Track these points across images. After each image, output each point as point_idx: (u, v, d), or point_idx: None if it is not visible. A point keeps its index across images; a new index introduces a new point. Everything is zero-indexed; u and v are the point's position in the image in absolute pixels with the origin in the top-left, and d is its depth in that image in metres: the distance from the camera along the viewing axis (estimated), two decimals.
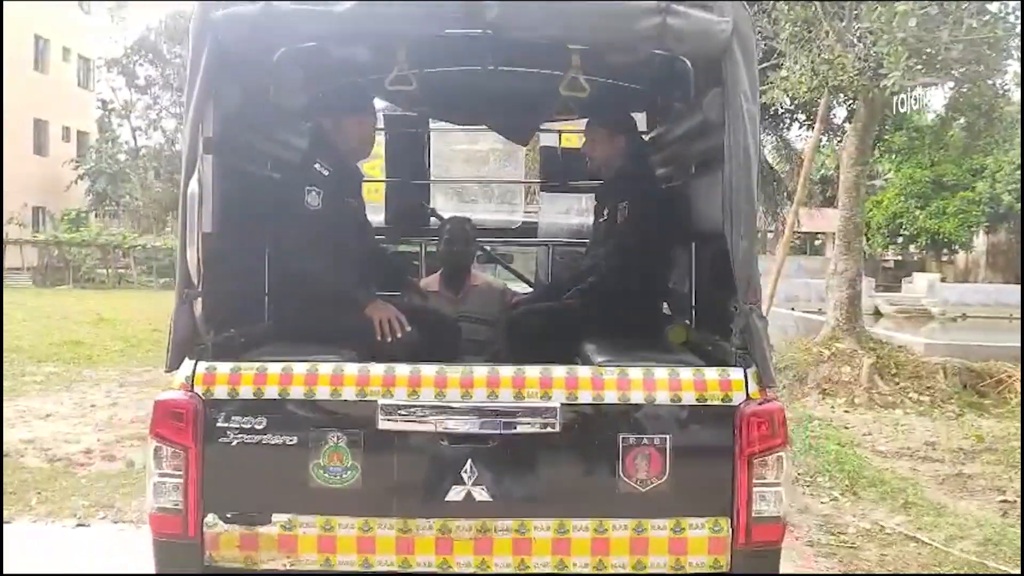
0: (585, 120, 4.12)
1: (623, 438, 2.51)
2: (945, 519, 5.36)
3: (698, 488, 2.57)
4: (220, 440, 2.49)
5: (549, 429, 2.49)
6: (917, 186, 36.42)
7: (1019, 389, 8.92)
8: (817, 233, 42.98)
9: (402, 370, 2.54)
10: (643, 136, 4.16)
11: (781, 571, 2.73)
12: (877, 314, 31.06)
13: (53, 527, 4.86)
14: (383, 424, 2.48)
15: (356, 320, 3.22)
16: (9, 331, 12.02)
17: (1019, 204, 32.90)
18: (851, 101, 11.09)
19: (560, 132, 5.01)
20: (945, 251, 39.41)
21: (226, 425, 2.50)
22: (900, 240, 41.06)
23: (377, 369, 2.54)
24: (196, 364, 2.54)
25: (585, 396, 2.53)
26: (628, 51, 3.11)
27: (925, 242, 38.62)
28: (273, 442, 2.50)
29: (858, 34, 8.44)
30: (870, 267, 36.11)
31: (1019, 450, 6.87)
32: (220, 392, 2.51)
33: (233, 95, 2.98)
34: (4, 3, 25.68)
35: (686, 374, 2.59)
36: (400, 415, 2.48)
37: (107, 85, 49.35)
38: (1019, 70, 8.76)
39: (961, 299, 34.23)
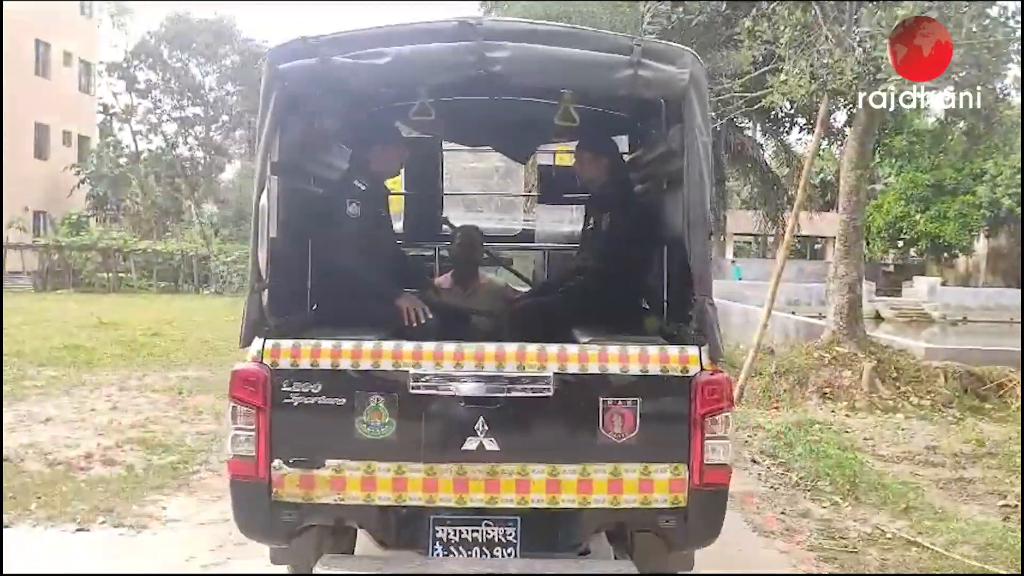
0: (575, 143, 4.71)
1: (603, 401, 3.16)
2: (946, 523, 5.36)
3: (662, 440, 3.21)
4: (284, 401, 3.13)
5: (544, 394, 3.14)
6: (917, 190, 36.46)
7: (1019, 393, 8.91)
8: (817, 237, 42.97)
9: (428, 347, 3.18)
10: (624, 157, 4.80)
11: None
12: (878, 318, 31.11)
13: (52, 532, 4.86)
14: (413, 389, 3.12)
15: (389, 308, 3.96)
16: (9, 335, 12.02)
17: (1019, 208, 32.93)
18: (851, 105, 11.08)
19: (554, 153, 5.88)
20: (945, 255, 39.42)
21: (288, 389, 3.14)
22: (900, 244, 41.11)
23: (408, 346, 3.19)
24: (264, 341, 3.19)
25: (573, 368, 3.17)
26: (608, 94, 3.79)
27: (925, 246, 38.66)
28: (326, 403, 3.15)
29: (858, 38, 8.46)
30: (870, 271, 36.12)
31: (1019, 454, 6.86)
32: (284, 363, 3.15)
33: (294, 128, 3.73)
34: (4, 7, 25.69)
35: (653, 350, 3.23)
36: (426, 382, 3.13)
37: (108, 89, 49.45)
38: (1018, 74, 8.79)
39: (961, 303, 34.28)
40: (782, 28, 8.86)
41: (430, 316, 4.02)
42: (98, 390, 9.11)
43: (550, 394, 3.14)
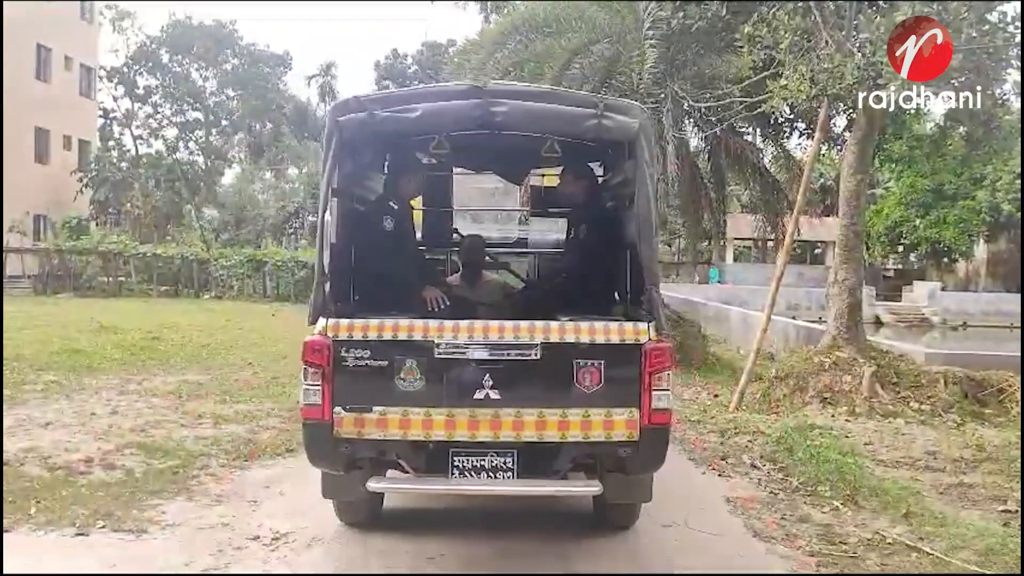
0: (560, 169, 5.91)
1: (576, 362, 4.32)
2: (946, 529, 5.36)
3: (620, 391, 4.34)
4: (342, 363, 4.32)
5: (533, 357, 4.33)
6: (917, 195, 36.46)
7: (1019, 399, 8.90)
8: (817, 242, 42.96)
9: (447, 323, 4.39)
10: (598, 180, 5.97)
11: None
12: (878, 323, 31.09)
13: (52, 536, 4.86)
14: (437, 354, 4.31)
15: (415, 297, 5.17)
16: (9, 339, 12.02)
17: (1019, 213, 32.93)
18: (851, 110, 11.09)
19: (543, 176, 6.98)
20: (945, 260, 39.40)
21: (345, 355, 4.32)
22: (900, 249, 41.10)
23: (433, 323, 4.39)
24: (327, 320, 4.37)
25: (554, 338, 4.34)
26: (579, 136, 4.83)
27: (925, 251, 38.65)
28: (373, 364, 4.33)
29: (857, 44, 8.47)
30: (870, 276, 36.07)
31: (1020, 460, 6.85)
32: (342, 336, 4.33)
33: (347, 163, 4.93)
34: (4, 11, 25.72)
35: (613, 325, 4.43)
36: (447, 349, 4.32)
37: (108, 94, 49.53)
38: (1018, 79, 8.79)
39: (961, 308, 34.25)
40: (782, 33, 8.87)
41: (447, 303, 5.22)
42: (98, 394, 9.11)
43: (537, 357, 4.32)
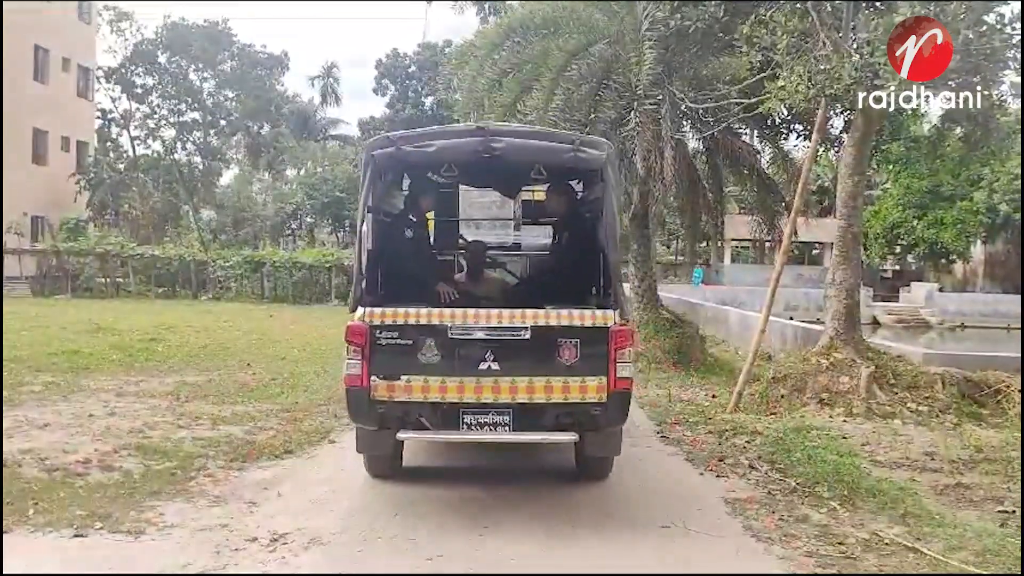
0: (547, 187, 7.48)
1: (558, 340, 5.48)
2: (944, 529, 5.36)
3: (592, 363, 5.49)
4: (376, 343, 5.47)
5: (524, 337, 5.48)
6: (915, 196, 36.48)
7: (1017, 399, 8.91)
8: (815, 243, 42.98)
9: (458, 311, 5.58)
10: (576, 196, 7.24)
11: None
12: (875, 324, 31.10)
13: (50, 537, 4.86)
14: (450, 335, 5.46)
15: (432, 291, 6.34)
16: (7, 341, 12.01)
17: (1016, 214, 32.98)
18: (848, 111, 11.10)
19: (532, 192, 8.39)
20: (943, 261, 39.43)
21: (379, 335, 5.47)
22: (898, 250, 41.11)
23: (447, 311, 5.59)
24: (365, 309, 5.54)
25: (541, 322, 5.50)
26: (560, 165, 6.20)
27: (923, 252, 38.67)
28: (400, 343, 5.47)
29: (855, 44, 8.48)
30: (868, 277, 36.14)
31: (1018, 460, 6.87)
32: (376, 321, 5.49)
33: (379, 186, 6.33)
34: (3, 13, 25.69)
35: (587, 312, 5.61)
36: (458, 330, 5.47)
37: (106, 95, 49.45)
38: (1014, 80, 8.80)
39: (959, 309, 34.27)
40: (780, 34, 8.88)
41: (456, 295, 6.43)
42: (96, 395, 9.11)
43: (528, 337, 5.51)
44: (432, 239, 7.96)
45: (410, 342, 5.45)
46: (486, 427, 5.50)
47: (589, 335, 5.48)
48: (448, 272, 7.68)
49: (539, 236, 8.78)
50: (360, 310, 5.51)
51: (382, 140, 5.92)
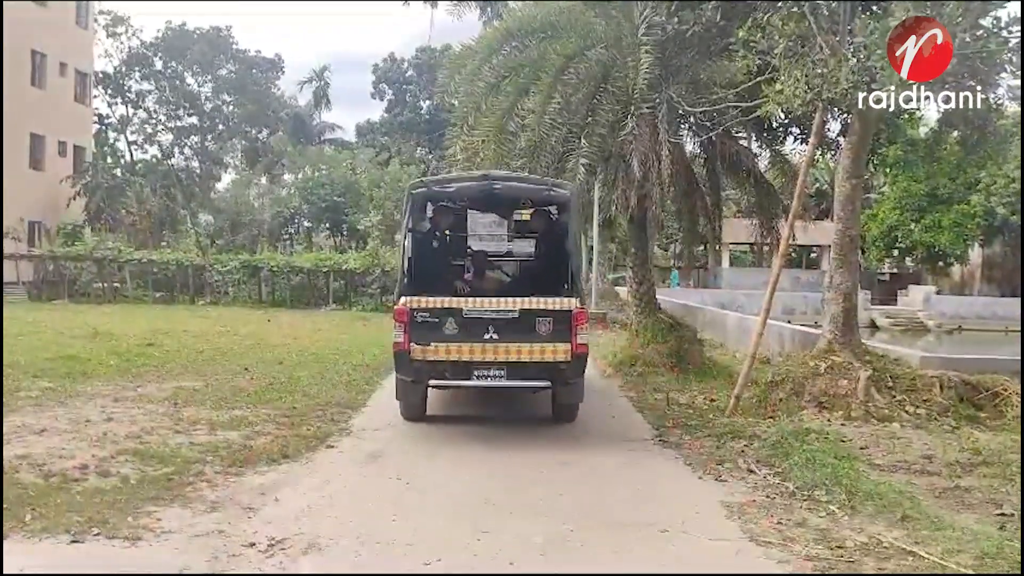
0: (532, 211, 10.58)
1: (537, 318, 8.09)
2: (942, 532, 5.35)
3: (560, 334, 8.06)
4: (414, 320, 8.09)
5: (515, 316, 8.08)
6: (912, 199, 36.55)
7: (1015, 402, 8.90)
8: (813, 246, 43.04)
9: (469, 299, 8.32)
10: (551, 218, 10.35)
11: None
12: (873, 327, 31.17)
13: (47, 543, 4.84)
14: (464, 315, 8.06)
15: (450, 286, 9.50)
16: (4, 346, 11.97)
17: (1013, 216, 33.02)
18: (846, 115, 11.11)
19: (521, 214, 11.01)
20: (940, 264, 39.49)
21: (416, 315, 8.09)
22: (896, 253, 41.17)
23: (461, 299, 8.39)
24: (407, 298, 8.24)
25: (526, 307, 8.12)
26: (540, 199, 10.05)
27: (920, 255, 38.75)
28: (430, 320, 8.07)
29: (852, 48, 8.49)
30: (866, 280, 36.17)
31: (1016, 463, 6.86)
32: (413, 305, 8.13)
33: (416, 214, 9.61)
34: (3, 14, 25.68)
35: (558, 299, 8.21)
36: (469, 312, 8.08)
37: (103, 100, 49.40)
38: (1012, 83, 8.81)
39: (956, 311, 34.36)
40: (776, 38, 8.89)
41: (468, 289, 9.42)
42: (93, 401, 9.09)
43: (517, 317, 8.02)
44: (449, 249, 10.77)
45: (437, 320, 8.02)
46: (488, 378, 8.07)
47: (558, 315, 8.05)
48: (461, 272, 10.40)
49: (525, 246, 11.54)
50: (404, 299, 8.18)
51: (417, 183, 9.78)
